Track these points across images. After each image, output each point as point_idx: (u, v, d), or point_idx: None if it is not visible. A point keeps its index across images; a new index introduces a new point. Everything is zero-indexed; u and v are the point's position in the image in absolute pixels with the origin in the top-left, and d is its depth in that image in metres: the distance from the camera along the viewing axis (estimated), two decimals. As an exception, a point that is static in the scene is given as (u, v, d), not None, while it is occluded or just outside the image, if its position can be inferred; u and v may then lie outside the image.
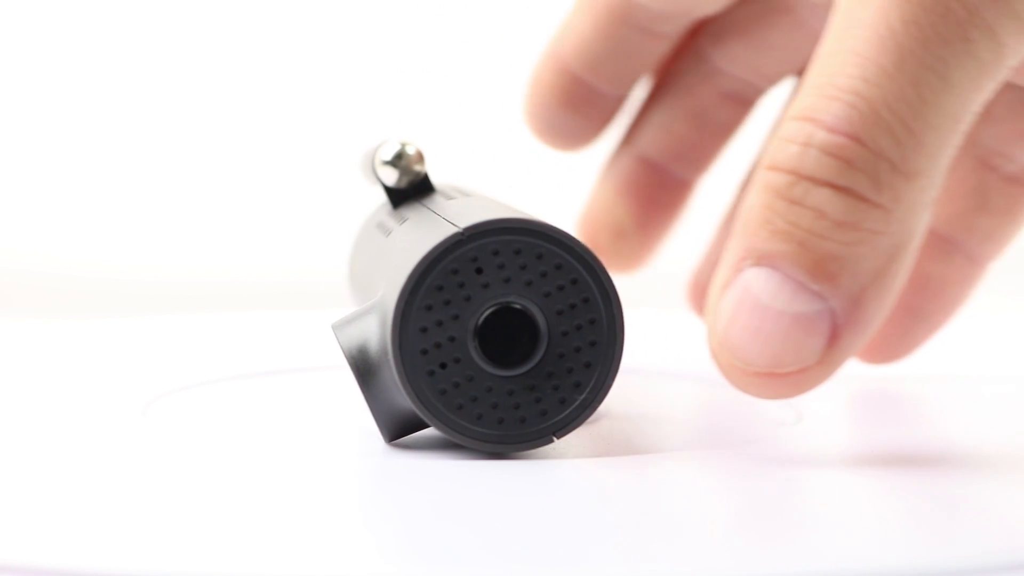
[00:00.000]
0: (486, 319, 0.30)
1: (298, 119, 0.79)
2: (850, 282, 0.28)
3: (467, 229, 0.29)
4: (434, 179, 0.37)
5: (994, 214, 0.38)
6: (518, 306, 0.30)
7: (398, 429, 0.31)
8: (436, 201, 0.35)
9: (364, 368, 0.31)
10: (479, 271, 0.30)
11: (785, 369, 0.28)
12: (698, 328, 0.59)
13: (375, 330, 0.30)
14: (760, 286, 0.28)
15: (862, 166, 0.27)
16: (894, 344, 0.39)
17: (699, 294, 0.43)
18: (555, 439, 0.30)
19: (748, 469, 0.31)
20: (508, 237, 0.30)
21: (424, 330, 0.30)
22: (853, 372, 0.46)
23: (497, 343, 0.30)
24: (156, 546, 0.25)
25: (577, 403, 0.30)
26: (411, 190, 0.36)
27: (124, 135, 0.80)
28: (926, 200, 0.28)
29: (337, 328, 0.31)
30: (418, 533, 0.26)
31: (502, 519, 0.27)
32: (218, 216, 0.79)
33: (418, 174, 0.37)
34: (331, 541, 0.26)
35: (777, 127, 0.29)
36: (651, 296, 0.76)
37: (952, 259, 0.39)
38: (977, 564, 0.24)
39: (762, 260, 0.28)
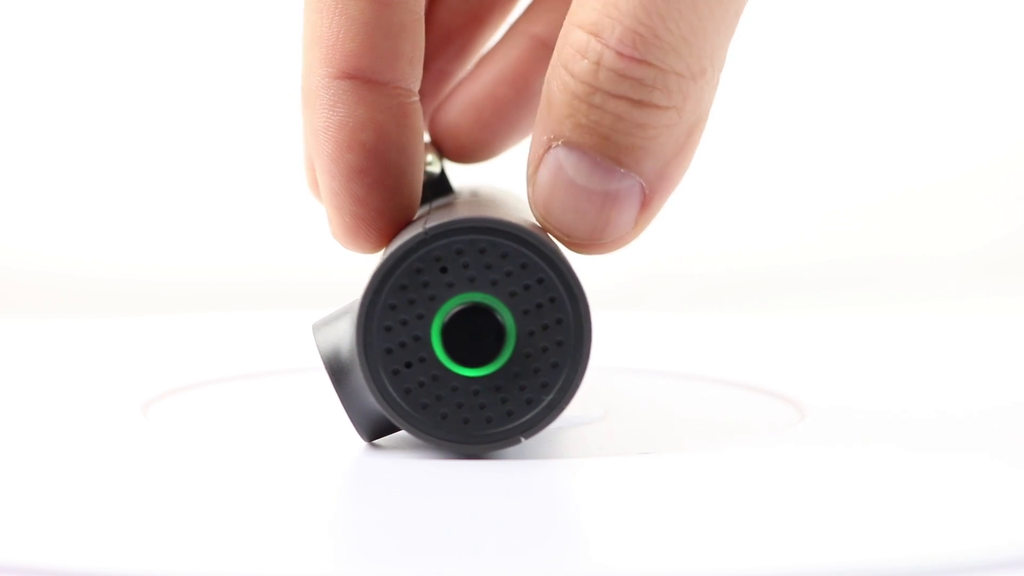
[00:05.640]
0: (452, 319, 0.30)
1: (298, 119, 0.79)
2: (654, 162, 0.30)
3: (430, 229, 0.29)
4: (462, 182, 0.37)
5: None
6: (484, 305, 0.30)
7: (374, 429, 0.31)
8: (442, 201, 0.35)
9: (338, 369, 0.31)
10: (443, 270, 0.29)
11: (604, 240, 0.30)
12: (698, 328, 0.59)
13: (349, 331, 0.30)
14: (572, 167, 0.30)
15: (652, 82, 0.29)
16: (483, 151, 0.39)
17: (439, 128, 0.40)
18: (522, 440, 0.30)
19: (748, 469, 0.31)
20: (472, 236, 0.29)
21: (388, 329, 0.29)
22: (855, 372, 0.46)
23: (463, 343, 0.30)
24: (156, 546, 0.25)
25: (544, 404, 0.30)
26: (428, 190, 0.37)
27: (124, 135, 0.80)
28: (715, 83, 0.30)
29: (316, 329, 0.31)
30: (413, 533, 0.26)
31: (496, 518, 0.27)
32: (218, 216, 0.79)
33: (430, 175, 0.37)
34: (328, 542, 0.26)
35: (567, 24, 0.30)
36: (651, 296, 0.76)
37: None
38: (977, 562, 0.24)
39: (570, 144, 0.30)
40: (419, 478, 0.30)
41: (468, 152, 0.39)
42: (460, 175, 0.39)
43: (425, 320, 0.29)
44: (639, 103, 0.29)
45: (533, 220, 0.31)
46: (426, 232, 0.29)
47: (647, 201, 0.30)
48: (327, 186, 0.32)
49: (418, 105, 0.33)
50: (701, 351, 0.52)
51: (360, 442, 0.32)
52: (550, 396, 0.30)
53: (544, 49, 0.39)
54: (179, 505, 0.28)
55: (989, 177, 0.82)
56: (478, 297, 0.29)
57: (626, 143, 0.29)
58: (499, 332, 0.30)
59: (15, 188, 0.80)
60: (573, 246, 0.30)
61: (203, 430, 0.36)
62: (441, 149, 0.38)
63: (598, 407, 0.37)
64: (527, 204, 0.35)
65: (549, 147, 0.30)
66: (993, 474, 0.31)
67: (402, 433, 0.31)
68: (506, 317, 0.30)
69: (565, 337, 0.30)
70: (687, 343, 0.54)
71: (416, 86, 0.33)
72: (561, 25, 0.39)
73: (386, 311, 0.29)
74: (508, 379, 0.30)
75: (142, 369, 0.46)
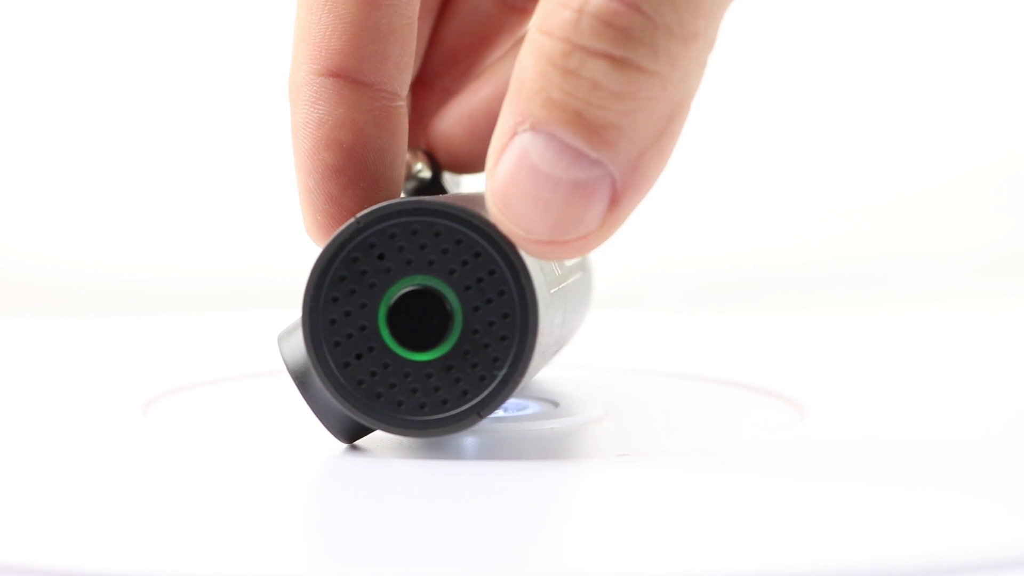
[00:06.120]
0: (396, 304, 0.29)
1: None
2: (629, 147, 0.27)
3: (361, 217, 0.29)
4: (459, 186, 0.37)
5: None
6: (426, 287, 0.29)
7: (347, 430, 0.31)
8: None
9: (302, 375, 0.30)
10: (380, 257, 0.29)
11: (567, 237, 0.28)
12: (698, 328, 0.59)
13: None
14: (538, 153, 0.27)
15: (640, 35, 0.26)
16: (481, 160, 0.37)
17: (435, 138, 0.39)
18: (480, 418, 0.30)
19: (748, 470, 0.31)
20: (404, 219, 0.29)
21: (334, 322, 0.29)
22: (855, 372, 0.46)
23: (410, 327, 0.29)
24: (156, 546, 0.25)
25: (498, 379, 0.29)
26: (422, 195, 0.36)
27: (124, 135, 0.80)
28: (702, 60, 0.27)
29: (280, 339, 0.31)
30: (405, 534, 0.26)
31: (490, 518, 0.27)
32: (218, 216, 0.79)
33: (422, 181, 0.37)
34: (329, 543, 0.26)
35: None
36: (651, 296, 0.76)
37: None
38: (977, 562, 0.24)
39: (538, 126, 0.27)
40: (410, 479, 0.30)
41: (460, 162, 0.39)
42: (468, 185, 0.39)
43: (369, 309, 0.29)
44: (621, 62, 0.26)
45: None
46: (358, 221, 0.29)
47: (616, 197, 0.27)
48: (302, 182, 0.32)
49: (403, 109, 0.32)
50: (701, 351, 0.52)
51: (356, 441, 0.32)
52: (503, 371, 0.29)
53: None
54: (178, 505, 0.28)
55: (990, 176, 0.82)
56: (418, 279, 0.29)
57: (600, 120, 0.27)
58: (444, 312, 0.29)
59: (15, 188, 0.80)
60: (531, 244, 0.28)
61: (203, 430, 0.36)
62: (434, 157, 0.38)
63: (598, 407, 0.37)
64: None
65: (514, 134, 0.27)
66: (993, 474, 0.31)
67: (383, 433, 0.31)
68: (449, 296, 0.29)
69: (510, 309, 0.29)
70: (687, 343, 0.54)
71: (403, 91, 0.32)
72: None
73: (329, 305, 0.29)
74: (459, 358, 0.29)
75: (142, 369, 0.46)
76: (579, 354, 0.41)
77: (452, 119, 0.39)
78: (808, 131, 0.83)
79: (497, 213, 0.28)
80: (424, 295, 0.29)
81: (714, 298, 0.75)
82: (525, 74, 0.27)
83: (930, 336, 0.56)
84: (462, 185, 0.39)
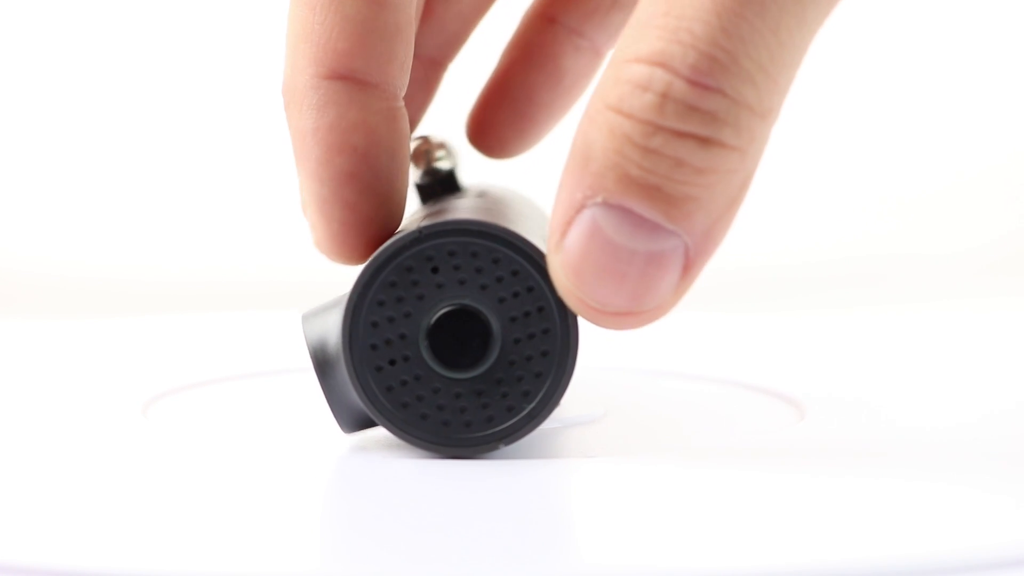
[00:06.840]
0: (439, 320, 0.29)
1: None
2: (704, 217, 0.27)
3: (424, 228, 0.29)
4: (473, 179, 0.37)
5: (624, 10, 0.38)
6: (472, 308, 0.29)
7: (356, 422, 0.31)
8: (447, 201, 0.35)
9: (323, 360, 0.30)
10: (435, 270, 0.29)
11: (643, 308, 0.28)
12: (699, 328, 0.59)
13: (337, 324, 0.30)
14: (612, 226, 0.27)
15: (725, 116, 0.26)
16: (521, 140, 0.39)
17: (477, 126, 0.39)
18: (501, 446, 0.30)
19: (747, 470, 0.31)
20: (465, 239, 0.29)
21: (375, 325, 0.29)
22: (855, 372, 0.46)
23: (449, 345, 0.29)
24: (156, 546, 0.25)
25: (525, 412, 0.29)
26: (438, 187, 0.36)
27: (123, 135, 0.80)
28: (772, 130, 0.27)
29: (305, 319, 0.31)
30: (405, 534, 0.26)
31: (490, 519, 0.27)
32: (217, 216, 0.79)
33: (439, 172, 0.37)
34: (329, 542, 0.26)
35: (615, 62, 0.27)
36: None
37: (583, 54, 0.39)
38: (977, 562, 0.24)
39: (611, 199, 0.27)
40: (411, 478, 0.30)
41: (510, 145, 0.38)
42: (467, 173, 0.39)
43: (412, 319, 0.29)
44: (706, 142, 0.26)
45: (529, 227, 0.31)
46: (420, 231, 0.29)
47: (689, 264, 0.27)
48: (315, 192, 0.31)
49: (404, 110, 0.32)
50: (701, 351, 0.52)
51: (357, 441, 0.32)
52: (531, 405, 0.29)
53: (560, 28, 0.39)
54: (178, 505, 0.28)
55: (991, 176, 0.82)
56: (467, 300, 0.29)
57: (679, 194, 0.27)
58: (485, 337, 0.29)
59: (15, 188, 0.80)
60: (606, 317, 0.28)
61: (202, 430, 0.36)
62: (452, 147, 0.38)
63: (598, 407, 0.37)
64: (533, 205, 0.35)
65: (582, 207, 0.27)
66: (993, 474, 0.31)
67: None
68: (493, 323, 0.29)
69: (551, 347, 0.29)
70: (687, 343, 0.54)
71: (403, 91, 0.32)
72: (571, 4, 0.39)
73: (373, 307, 0.29)
74: (490, 385, 0.29)
75: (142, 369, 0.46)
76: (580, 354, 0.40)
77: (493, 104, 0.38)
78: (809, 132, 0.83)
79: (569, 287, 0.28)
80: (469, 316, 0.29)
81: (715, 298, 0.75)
82: (594, 150, 0.27)
83: (930, 336, 0.56)
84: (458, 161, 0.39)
